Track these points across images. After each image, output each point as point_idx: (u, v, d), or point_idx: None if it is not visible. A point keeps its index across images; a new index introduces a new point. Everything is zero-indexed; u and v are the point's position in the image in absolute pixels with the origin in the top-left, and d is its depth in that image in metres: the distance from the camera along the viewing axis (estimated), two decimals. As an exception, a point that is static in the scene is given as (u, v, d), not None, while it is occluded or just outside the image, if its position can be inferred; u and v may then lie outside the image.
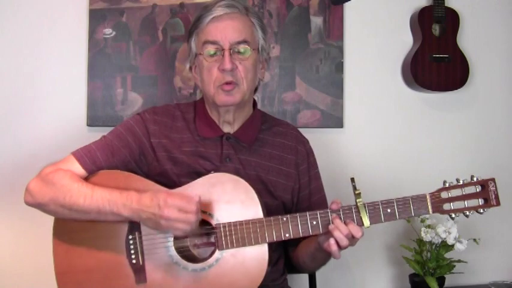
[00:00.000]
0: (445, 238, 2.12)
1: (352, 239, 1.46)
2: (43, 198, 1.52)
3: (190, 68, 1.70)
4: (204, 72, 1.61)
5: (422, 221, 2.16)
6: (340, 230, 1.45)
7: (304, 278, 1.99)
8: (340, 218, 1.47)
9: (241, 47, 1.59)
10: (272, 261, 1.61)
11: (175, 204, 1.42)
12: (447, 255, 2.17)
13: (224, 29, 1.58)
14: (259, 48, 1.65)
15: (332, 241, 1.45)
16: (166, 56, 2.26)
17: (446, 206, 1.50)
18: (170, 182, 1.59)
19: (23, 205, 1.58)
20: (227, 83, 1.58)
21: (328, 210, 1.49)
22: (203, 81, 1.63)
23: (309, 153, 1.76)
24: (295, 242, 1.66)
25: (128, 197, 1.47)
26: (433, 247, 2.17)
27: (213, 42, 1.58)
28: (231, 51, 1.57)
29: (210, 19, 1.58)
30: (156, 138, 1.64)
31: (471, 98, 2.47)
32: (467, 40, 2.43)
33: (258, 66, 1.67)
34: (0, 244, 2.14)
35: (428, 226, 2.14)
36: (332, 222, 1.47)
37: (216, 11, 1.58)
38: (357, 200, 1.48)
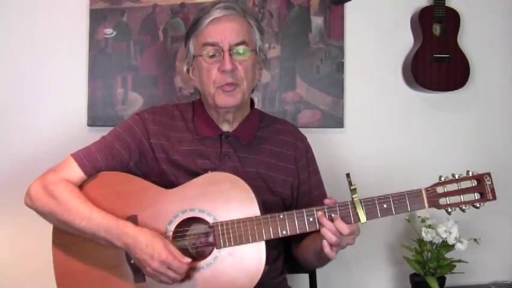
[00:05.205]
0: (445, 238, 2.12)
1: (342, 236, 1.46)
2: (42, 208, 1.55)
3: (188, 70, 1.71)
4: (204, 74, 1.62)
5: (423, 221, 2.16)
6: (325, 227, 1.46)
7: (304, 277, 1.99)
8: (331, 216, 1.48)
9: (241, 48, 1.60)
10: (270, 259, 1.61)
11: (168, 262, 1.44)
12: (448, 255, 2.17)
13: (223, 30, 1.59)
14: (257, 49, 1.67)
15: (325, 242, 1.47)
16: (167, 56, 2.26)
17: (442, 201, 1.50)
18: (168, 183, 1.60)
19: (23, 205, 1.59)
20: (228, 84, 1.60)
21: (325, 207, 1.50)
22: (202, 82, 1.64)
23: (308, 150, 1.77)
24: (298, 239, 1.67)
25: (124, 229, 1.48)
26: (434, 247, 2.17)
27: (213, 44, 1.59)
28: (231, 52, 1.59)
29: (208, 21, 1.60)
30: (156, 138, 1.65)
31: (472, 98, 2.47)
32: (468, 40, 2.43)
33: (256, 67, 1.68)
34: (0, 244, 2.15)
35: (429, 226, 2.14)
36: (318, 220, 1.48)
37: (215, 13, 1.59)
38: (353, 196, 1.49)
